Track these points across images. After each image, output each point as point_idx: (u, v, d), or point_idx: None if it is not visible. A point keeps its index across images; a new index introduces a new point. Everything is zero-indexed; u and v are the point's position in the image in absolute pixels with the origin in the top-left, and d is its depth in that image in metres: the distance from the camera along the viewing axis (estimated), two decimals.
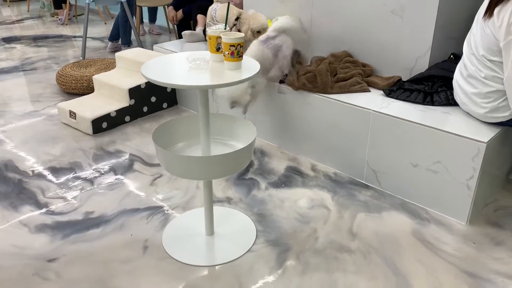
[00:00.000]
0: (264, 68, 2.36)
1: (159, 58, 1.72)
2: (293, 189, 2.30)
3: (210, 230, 1.94)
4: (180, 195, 2.25)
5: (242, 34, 1.57)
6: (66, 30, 5.63)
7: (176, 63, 1.69)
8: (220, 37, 1.59)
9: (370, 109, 2.20)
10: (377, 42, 2.52)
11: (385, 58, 2.52)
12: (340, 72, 2.44)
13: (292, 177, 2.41)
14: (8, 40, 5.12)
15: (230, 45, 1.55)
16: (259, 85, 2.40)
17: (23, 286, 1.68)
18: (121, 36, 4.47)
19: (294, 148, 2.62)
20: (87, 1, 3.96)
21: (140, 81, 3.05)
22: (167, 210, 2.13)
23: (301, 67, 2.49)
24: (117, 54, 3.30)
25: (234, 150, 1.71)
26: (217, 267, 1.78)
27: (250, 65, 1.66)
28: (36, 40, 5.15)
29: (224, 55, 1.59)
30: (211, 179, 1.72)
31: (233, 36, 1.55)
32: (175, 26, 4.35)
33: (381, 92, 2.39)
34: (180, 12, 3.84)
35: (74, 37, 5.34)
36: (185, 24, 4.02)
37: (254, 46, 2.37)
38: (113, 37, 4.55)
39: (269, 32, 2.42)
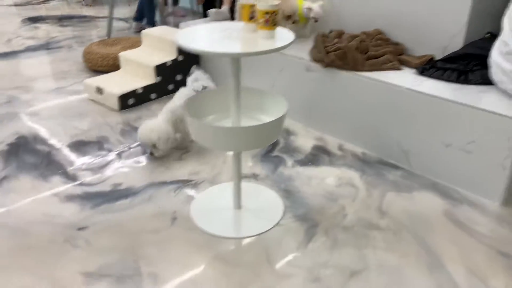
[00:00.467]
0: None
1: (192, 28, 1.70)
2: (320, 167, 2.27)
3: (238, 204, 1.93)
4: (207, 170, 2.24)
5: (277, 1, 1.54)
6: (90, 11, 5.66)
7: (209, 33, 1.67)
8: (254, 6, 1.56)
9: (403, 87, 2.14)
10: (409, 20, 2.45)
11: (417, 37, 2.45)
12: (372, 50, 2.39)
13: (318, 155, 2.38)
14: (34, 20, 5.17)
15: (265, 13, 1.52)
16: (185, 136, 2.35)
17: (55, 253, 1.71)
18: (146, 16, 4.47)
19: (321, 127, 2.59)
20: None
21: (166, 58, 3.05)
22: (195, 184, 2.13)
23: (330, 43, 2.44)
24: (143, 31, 3.30)
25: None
26: (245, 239, 1.77)
27: (284, 35, 1.63)
28: (61, 20, 5.19)
29: (258, 23, 1.56)
30: (241, 150, 1.71)
31: (269, 3, 1.52)
32: (201, 6, 4.32)
33: (413, 70, 2.33)
34: None
35: (98, 17, 5.36)
36: (210, 4, 3.99)
37: (188, 93, 2.39)
38: (138, 17, 4.55)
39: (203, 83, 2.46)
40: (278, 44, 1.55)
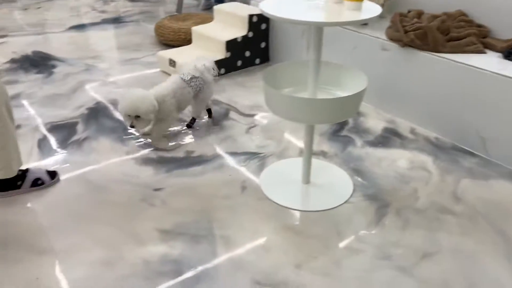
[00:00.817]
0: (178, 105, 2.26)
1: None
2: (391, 149, 2.23)
3: (307, 179, 1.94)
4: (274, 145, 2.26)
5: None
6: None
7: (294, 3, 1.66)
8: None
9: (487, 71, 2.04)
10: (494, 1, 2.32)
11: (503, 19, 2.32)
12: (453, 31, 2.29)
13: (389, 138, 2.33)
14: None
15: None
16: (164, 121, 2.22)
17: (133, 209, 1.80)
18: None
19: (392, 109, 2.53)
20: None
21: (237, 34, 3.08)
22: (263, 157, 2.16)
23: (408, 23, 2.36)
24: (215, 7, 3.34)
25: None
26: (313, 213, 1.79)
27: (370, 7, 1.60)
28: None
29: None
30: (317, 123, 1.71)
31: None
32: None
33: (498, 54, 2.21)
34: None
35: None
36: None
37: (177, 79, 2.28)
38: None
39: (194, 72, 2.31)
40: (364, 15, 1.53)
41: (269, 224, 1.73)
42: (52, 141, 2.28)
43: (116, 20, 4.33)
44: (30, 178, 1.90)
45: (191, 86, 2.27)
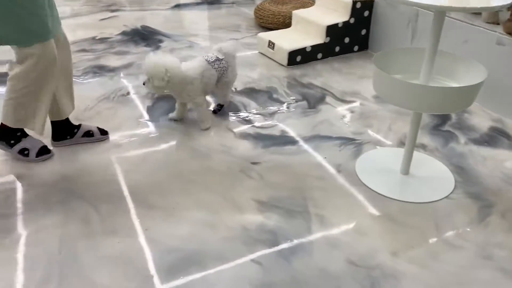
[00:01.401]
0: (204, 88, 2.23)
1: None
2: (497, 149, 2.10)
3: (406, 169, 1.90)
4: (371, 133, 2.23)
5: None
6: None
7: None
8: None
9: None
10: None
11: None
12: None
13: (496, 137, 2.20)
14: None
15: None
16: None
17: (232, 178, 1.89)
18: None
19: (501, 109, 2.37)
20: None
21: (338, 19, 3.05)
22: (359, 144, 2.14)
23: None
24: None
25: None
26: (411, 204, 1.75)
27: None
28: None
29: None
30: (428, 112, 1.66)
31: None
32: None
33: None
34: None
35: None
36: None
37: (202, 61, 2.22)
38: None
39: (218, 54, 2.26)
40: (494, 3, 1.45)
41: (364, 209, 1.72)
42: (160, 109, 2.44)
43: (217, 1, 4.48)
44: (21, 145, 1.98)
45: (215, 68, 2.24)
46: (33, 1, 1.69)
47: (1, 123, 1.95)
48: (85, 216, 1.67)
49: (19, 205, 1.73)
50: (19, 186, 1.83)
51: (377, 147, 2.12)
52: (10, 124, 1.93)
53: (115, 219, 1.65)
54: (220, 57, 2.27)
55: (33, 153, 1.99)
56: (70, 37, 3.51)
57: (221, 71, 2.27)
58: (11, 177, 1.88)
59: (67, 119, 2.09)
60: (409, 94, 1.57)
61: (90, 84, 2.68)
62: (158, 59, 2.09)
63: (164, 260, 1.48)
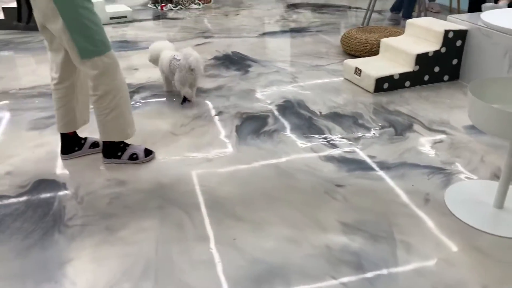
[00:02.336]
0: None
1: (502, 10, 1.64)
2: None
3: (500, 203, 1.81)
4: (463, 164, 2.16)
5: None
6: (344, 1, 5.98)
7: None
8: None
9: None
10: None
11: None
12: None
13: None
14: (297, 6, 5.77)
15: None
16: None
17: (316, 198, 1.93)
18: (404, 8, 4.48)
19: None
20: None
21: (429, 48, 3.02)
22: (449, 174, 2.09)
23: None
24: (408, 21, 3.33)
25: None
26: (506, 239, 1.66)
27: None
28: (320, 7, 5.64)
29: None
30: None
31: None
32: (469, 1, 4.08)
33: None
34: None
35: (351, 8, 5.63)
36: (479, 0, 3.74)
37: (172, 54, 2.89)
38: (396, 7, 4.60)
39: (178, 55, 2.82)
40: None
41: (453, 240, 1.67)
42: (247, 128, 2.57)
43: (304, 30, 4.62)
44: (128, 151, 2.22)
45: (172, 64, 2.82)
46: (98, 17, 1.95)
47: (103, 141, 2.18)
48: (180, 222, 1.80)
49: (122, 207, 1.91)
50: (122, 191, 2.02)
51: (468, 178, 2.05)
52: (117, 138, 2.16)
53: (207, 226, 1.77)
54: (178, 58, 2.79)
55: (141, 155, 2.23)
56: None
57: (173, 69, 2.84)
58: (115, 182, 2.09)
59: (75, 131, 2.29)
60: (508, 123, 1.53)
61: (185, 103, 2.90)
62: (152, 45, 3.06)
63: (250, 269, 1.55)
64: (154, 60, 3.05)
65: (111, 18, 4.98)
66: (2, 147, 2.42)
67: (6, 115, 2.79)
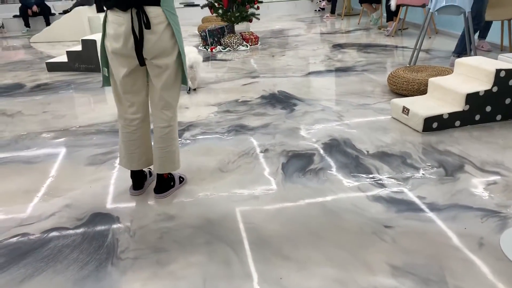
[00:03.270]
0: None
1: None
2: None
3: None
4: None
5: None
6: (390, 41, 6.01)
7: None
8: None
9: None
10: None
11: None
12: None
13: None
14: (342, 46, 5.86)
15: None
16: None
17: (364, 239, 1.91)
18: (456, 45, 4.44)
19: None
20: (430, 10, 4.11)
21: (479, 88, 2.96)
22: (504, 217, 2.00)
23: None
24: (457, 60, 3.30)
25: None
26: None
27: None
28: (365, 47, 5.70)
29: None
30: None
31: None
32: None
33: None
34: None
35: (397, 47, 5.65)
36: None
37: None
38: (457, 51, 4.56)
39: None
40: None
41: (510, 286, 1.59)
42: (293, 166, 2.60)
43: (349, 69, 4.67)
44: (176, 176, 2.41)
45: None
46: None
47: (161, 175, 2.31)
48: (226, 258, 1.83)
49: (171, 242, 1.96)
50: (172, 225, 2.09)
51: None
52: (177, 168, 2.33)
53: (253, 264, 1.78)
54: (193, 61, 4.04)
55: (181, 179, 2.47)
56: (216, 100, 3.97)
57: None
58: (165, 217, 2.16)
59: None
60: None
61: (232, 141, 2.98)
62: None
63: None
64: None
65: None
66: (61, 181, 2.58)
67: (66, 151, 2.99)
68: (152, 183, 2.44)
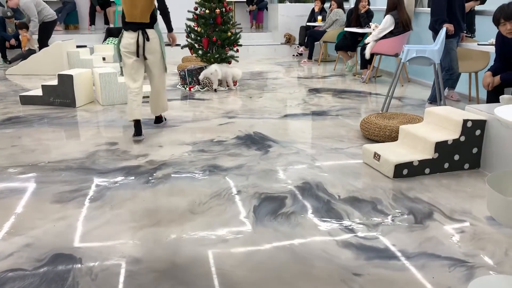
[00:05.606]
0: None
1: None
2: None
3: None
4: (486, 256, 2.09)
5: None
6: (364, 88, 6.19)
7: None
8: None
9: None
10: None
11: None
12: None
13: None
14: (319, 90, 6.00)
15: None
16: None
17: (331, 287, 1.87)
18: (431, 93, 4.61)
19: None
20: (402, 60, 4.28)
21: (447, 137, 3.05)
22: (471, 267, 2.01)
23: None
24: (427, 109, 3.41)
25: None
26: None
27: None
28: (340, 92, 5.85)
29: None
30: None
31: None
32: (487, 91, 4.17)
33: None
34: (497, 78, 3.69)
35: (371, 93, 5.82)
36: (498, 91, 3.82)
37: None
38: (431, 98, 4.73)
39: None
40: None
41: None
42: (265, 209, 2.57)
43: (324, 113, 4.76)
44: (163, 116, 4.34)
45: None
46: None
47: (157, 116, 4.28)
48: None
49: (135, 286, 1.89)
50: (136, 269, 2.01)
51: (492, 272, 1.97)
52: (165, 111, 4.29)
53: None
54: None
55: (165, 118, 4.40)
56: (191, 139, 3.95)
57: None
58: (130, 260, 2.08)
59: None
60: None
61: (205, 181, 2.95)
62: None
63: None
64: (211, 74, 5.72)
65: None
66: (24, 218, 2.48)
67: (32, 187, 2.89)
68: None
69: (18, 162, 3.33)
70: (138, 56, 3.69)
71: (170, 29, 3.92)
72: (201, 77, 5.76)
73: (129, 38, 3.67)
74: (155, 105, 4.07)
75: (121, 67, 3.83)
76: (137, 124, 3.80)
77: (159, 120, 4.25)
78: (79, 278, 1.94)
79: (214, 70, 5.68)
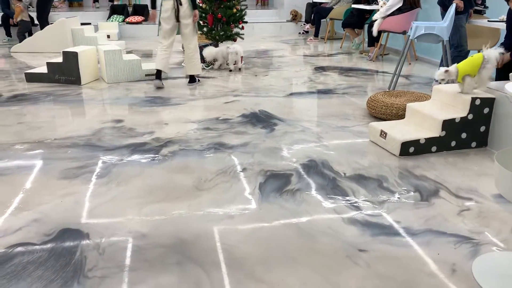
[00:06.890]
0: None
1: None
2: None
3: None
4: (492, 233, 2.09)
5: None
6: (372, 66, 6.12)
7: None
8: None
9: None
10: None
11: None
12: None
13: None
14: (325, 68, 5.94)
15: None
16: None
17: (337, 263, 1.89)
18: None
19: None
20: (410, 37, 4.21)
21: (455, 115, 3.02)
22: (477, 244, 2.01)
23: None
24: (434, 87, 3.37)
25: None
26: None
27: None
28: (346, 71, 5.79)
29: None
30: None
31: None
32: (497, 69, 4.11)
33: None
34: (507, 56, 3.62)
35: (378, 72, 5.75)
36: (508, 68, 3.76)
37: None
38: None
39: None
40: None
41: None
42: (271, 186, 2.58)
43: (331, 91, 4.72)
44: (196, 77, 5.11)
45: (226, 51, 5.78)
46: None
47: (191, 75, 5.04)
48: (198, 280, 1.78)
49: (141, 261, 1.91)
50: (143, 244, 2.03)
51: (498, 249, 1.97)
52: (198, 72, 5.04)
53: (225, 287, 1.74)
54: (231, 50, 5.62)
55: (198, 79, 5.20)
56: (197, 117, 3.94)
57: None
58: (137, 235, 2.10)
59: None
60: None
61: (211, 158, 2.96)
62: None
63: None
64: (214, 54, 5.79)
65: (146, 75, 5.24)
66: (32, 194, 2.50)
67: (39, 163, 2.91)
68: None
69: (24, 139, 3.34)
70: (177, 20, 4.67)
71: (194, 6, 4.65)
72: (230, 57, 5.69)
73: (167, 5, 4.64)
74: (188, 64, 4.89)
75: (158, 30, 4.85)
76: (158, 72, 4.81)
77: (192, 79, 5.01)
78: (87, 253, 1.97)
79: (237, 50, 5.70)
